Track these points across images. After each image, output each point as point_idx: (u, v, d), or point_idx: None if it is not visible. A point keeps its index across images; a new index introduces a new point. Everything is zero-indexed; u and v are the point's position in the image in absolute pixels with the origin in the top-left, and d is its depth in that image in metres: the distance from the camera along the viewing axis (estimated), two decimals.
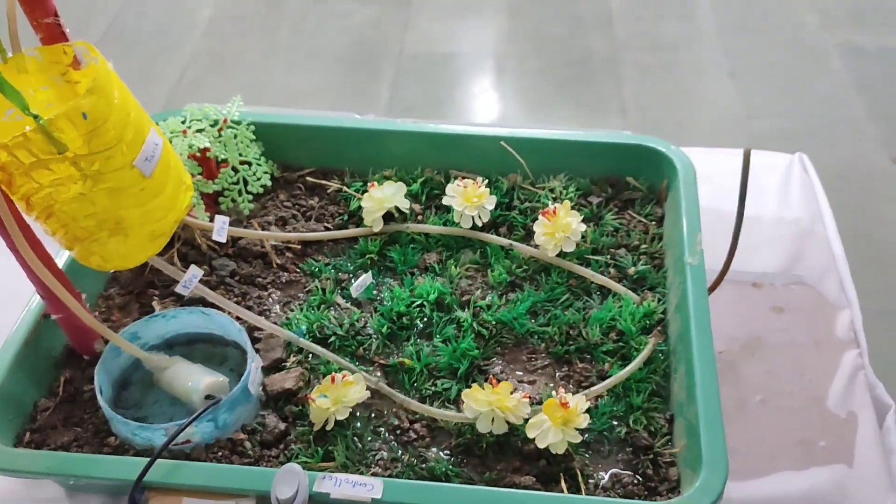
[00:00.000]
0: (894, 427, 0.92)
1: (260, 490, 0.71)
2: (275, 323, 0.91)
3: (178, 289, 0.82)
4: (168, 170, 0.76)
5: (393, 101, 2.32)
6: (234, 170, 1.00)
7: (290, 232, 1.01)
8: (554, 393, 0.80)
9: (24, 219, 0.72)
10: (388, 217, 1.01)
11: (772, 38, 2.50)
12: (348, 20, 2.62)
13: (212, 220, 0.91)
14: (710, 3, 2.63)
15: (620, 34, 2.53)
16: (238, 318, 0.87)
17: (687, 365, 0.80)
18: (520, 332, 0.90)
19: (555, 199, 1.02)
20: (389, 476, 0.78)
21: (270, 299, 0.95)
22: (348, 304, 0.94)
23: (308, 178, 1.08)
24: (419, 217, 1.03)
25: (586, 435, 0.81)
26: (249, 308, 0.93)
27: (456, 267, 0.97)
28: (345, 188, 1.06)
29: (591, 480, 0.78)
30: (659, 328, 0.89)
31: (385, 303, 0.94)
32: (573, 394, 0.80)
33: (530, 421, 0.78)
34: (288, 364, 0.88)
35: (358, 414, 0.83)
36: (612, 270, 0.96)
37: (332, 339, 0.90)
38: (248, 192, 1.00)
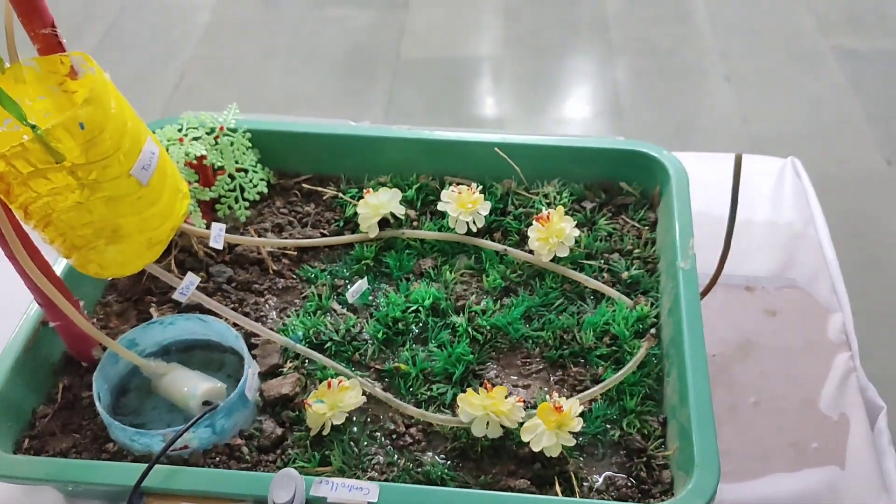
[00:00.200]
0: (886, 429, 0.92)
1: (257, 495, 0.72)
2: (271, 329, 0.91)
3: (176, 296, 0.82)
4: (165, 178, 0.76)
5: (390, 106, 2.33)
6: (231, 177, 1.00)
7: (286, 238, 1.02)
8: (548, 397, 0.80)
9: (22, 227, 0.73)
10: (383, 223, 1.01)
11: (767, 42, 2.51)
12: (345, 25, 2.63)
13: (208, 227, 0.92)
14: (705, 6, 2.64)
15: (616, 38, 2.55)
16: (235, 325, 0.88)
17: (679, 368, 0.81)
18: (514, 336, 0.91)
19: (549, 205, 1.03)
20: (385, 480, 0.78)
21: (267, 305, 0.96)
22: (344, 310, 0.95)
23: (304, 185, 1.09)
24: (414, 223, 1.04)
25: (580, 438, 0.81)
26: (246, 314, 0.93)
27: (451, 272, 0.98)
28: (340, 195, 1.07)
29: (585, 483, 0.79)
30: (652, 332, 0.90)
31: (381, 308, 0.94)
32: (567, 398, 0.80)
33: (525, 425, 0.79)
34: (285, 370, 0.88)
35: (354, 419, 0.84)
36: (605, 275, 0.97)
37: (329, 344, 0.91)
38: (244, 199, 1.01)
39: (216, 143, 0.99)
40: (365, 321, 0.93)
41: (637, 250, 0.99)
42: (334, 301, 0.96)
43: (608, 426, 0.83)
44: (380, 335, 0.91)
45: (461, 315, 0.93)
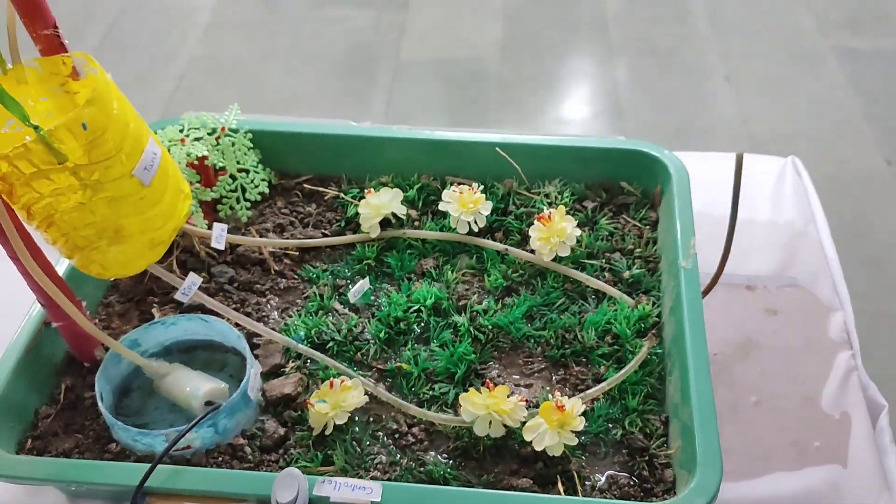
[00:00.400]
0: (888, 427, 0.92)
1: (260, 494, 0.72)
2: (273, 329, 0.91)
3: (178, 296, 0.82)
4: (167, 178, 0.77)
5: (390, 106, 2.33)
6: (232, 177, 1.00)
7: (287, 239, 1.02)
8: (550, 396, 0.81)
9: (25, 228, 0.73)
10: (384, 223, 1.02)
11: (767, 42, 2.52)
12: (345, 26, 2.63)
13: (210, 227, 0.92)
14: (705, 6, 2.65)
15: (616, 38, 2.55)
16: (237, 325, 0.88)
17: (681, 367, 0.81)
18: (516, 336, 0.91)
19: (550, 204, 1.03)
20: (388, 480, 0.78)
21: (269, 305, 0.96)
22: (346, 310, 0.95)
23: (305, 186, 1.09)
24: (416, 223, 1.04)
25: (582, 437, 0.81)
26: (248, 314, 0.94)
27: (452, 272, 0.98)
28: (342, 195, 1.07)
29: (587, 482, 0.79)
30: (654, 331, 0.90)
31: (382, 308, 0.94)
32: (569, 397, 0.81)
33: (527, 424, 0.79)
34: (287, 369, 0.88)
35: (356, 418, 0.84)
36: (607, 274, 0.97)
37: (331, 344, 0.91)
38: (245, 200, 1.01)
39: (218, 144, 0.99)
40: (367, 321, 0.94)
41: (638, 250, 0.99)
42: (336, 301, 0.96)
43: (610, 425, 0.83)
44: (382, 335, 0.91)
45: (463, 315, 0.93)
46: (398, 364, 0.89)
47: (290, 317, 0.94)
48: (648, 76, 2.42)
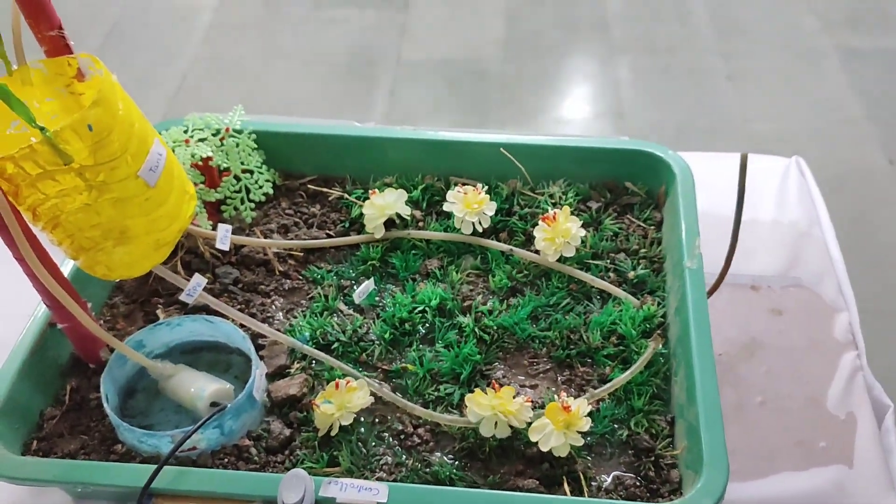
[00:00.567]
0: (893, 427, 0.92)
1: (266, 495, 0.72)
2: (278, 330, 0.91)
3: (183, 297, 0.82)
4: (172, 179, 0.76)
5: (391, 107, 2.33)
6: (237, 178, 1.00)
7: (292, 239, 1.02)
8: (556, 397, 0.80)
9: (30, 229, 0.73)
10: (389, 224, 1.01)
11: (768, 41, 2.52)
12: (346, 27, 2.63)
13: (214, 228, 0.92)
14: (706, 6, 2.64)
15: (618, 37, 2.55)
16: (242, 326, 0.88)
17: (687, 367, 0.81)
18: (521, 336, 0.91)
19: (554, 205, 1.03)
20: (394, 480, 0.78)
21: (273, 306, 0.96)
22: (351, 311, 0.95)
23: (309, 186, 1.09)
24: (420, 223, 1.04)
25: (588, 438, 0.81)
26: (253, 315, 0.94)
27: (457, 273, 0.98)
28: (346, 195, 1.07)
29: (593, 483, 0.79)
30: (659, 331, 0.90)
31: (387, 309, 0.94)
32: (575, 398, 0.80)
33: (533, 425, 0.79)
34: (292, 370, 0.88)
35: (362, 419, 0.84)
36: (611, 275, 0.97)
37: (336, 345, 0.91)
38: (250, 201, 1.01)
39: (222, 145, 0.99)
40: (372, 322, 0.93)
41: (643, 250, 0.99)
42: (341, 302, 0.96)
43: (616, 426, 0.83)
44: (387, 336, 0.91)
45: (468, 315, 0.93)
46: (403, 365, 0.89)
47: (295, 318, 0.94)
48: (650, 76, 2.42)
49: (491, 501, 0.72)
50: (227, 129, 1.00)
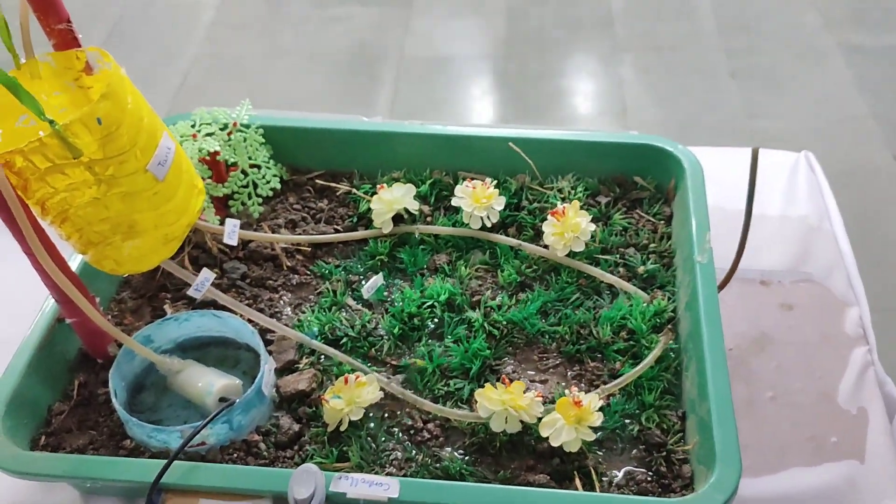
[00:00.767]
0: None
1: (276, 490, 0.72)
2: (286, 325, 0.91)
3: (191, 292, 0.82)
4: (180, 174, 0.76)
5: (394, 104, 2.32)
6: (244, 173, 1.00)
7: (300, 234, 1.02)
8: (566, 392, 0.80)
9: (39, 223, 0.73)
10: (397, 219, 1.01)
11: (772, 38, 2.51)
12: (349, 24, 2.63)
13: (222, 223, 0.91)
14: (710, 3, 2.64)
15: (621, 35, 2.54)
16: (250, 321, 0.87)
17: (698, 362, 0.80)
18: (531, 331, 0.91)
19: (563, 200, 1.03)
20: (404, 476, 0.78)
21: (282, 301, 0.96)
22: (359, 306, 0.95)
23: (317, 181, 1.09)
24: (428, 218, 1.03)
25: (599, 433, 0.81)
26: (261, 310, 0.93)
27: (466, 268, 0.97)
28: (354, 190, 1.07)
29: (605, 478, 0.78)
30: (669, 326, 0.89)
31: (396, 304, 0.94)
32: (585, 393, 0.80)
33: (543, 420, 0.79)
34: (301, 366, 0.88)
35: (371, 414, 0.84)
36: (621, 270, 0.97)
37: (344, 340, 0.90)
38: (257, 196, 1.00)
39: (229, 139, 0.99)
40: (380, 317, 0.93)
41: (653, 245, 0.99)
42: (349, 297, 0.96)
43: (627, 421, 0.83)
44: (395, 331, 0.91)
45: (477, 310, 0.92)
46: (412, 360, 0.88)
47: (304, 313, 0.94)
48: (654, 73, 2.41)
49: (502, 497, 0.72)
50: (234, 124, 0.99)
